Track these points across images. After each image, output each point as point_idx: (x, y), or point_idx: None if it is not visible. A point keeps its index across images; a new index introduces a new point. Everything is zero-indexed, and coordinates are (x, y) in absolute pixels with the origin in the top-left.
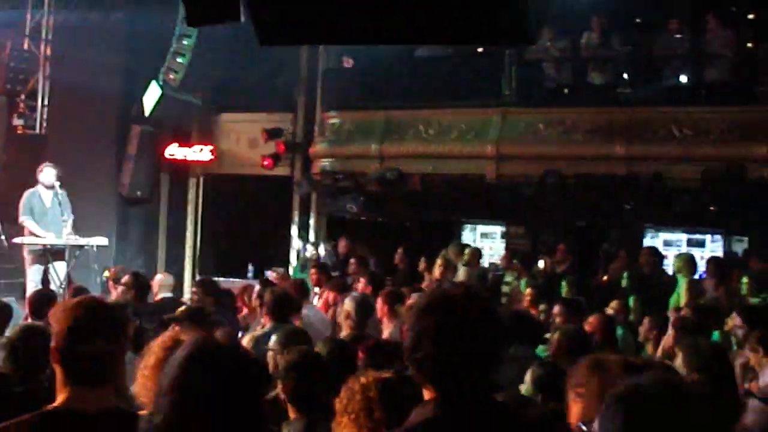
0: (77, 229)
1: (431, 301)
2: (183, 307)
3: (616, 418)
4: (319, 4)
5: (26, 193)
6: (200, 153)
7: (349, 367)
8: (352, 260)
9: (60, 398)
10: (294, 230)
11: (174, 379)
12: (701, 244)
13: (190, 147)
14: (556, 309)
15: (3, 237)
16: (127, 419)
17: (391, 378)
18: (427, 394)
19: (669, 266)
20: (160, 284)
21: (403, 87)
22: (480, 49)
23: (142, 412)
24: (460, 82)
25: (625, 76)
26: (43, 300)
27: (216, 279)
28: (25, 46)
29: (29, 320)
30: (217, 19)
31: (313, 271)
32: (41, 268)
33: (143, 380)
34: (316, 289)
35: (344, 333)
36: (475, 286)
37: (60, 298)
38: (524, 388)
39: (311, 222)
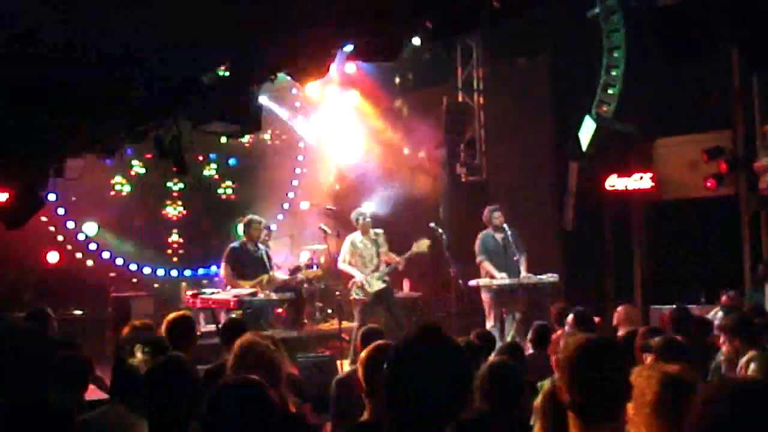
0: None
1: None
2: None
3: None
4: None
5: (480, 235)
6: (640, 181)
7: None
8: None
9: None
10: (745, 250)
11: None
12: None
13: (629, 176)
14: None
15: (460, 281)
16: None
17: None
18: None
19: None
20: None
21: None
22: None
23: None
24: None
25: None
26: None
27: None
28: (459, 99)
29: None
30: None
31: None
32: (499, 309)
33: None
34: None
35: None
36: None
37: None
38: None
39: (763, 239)
